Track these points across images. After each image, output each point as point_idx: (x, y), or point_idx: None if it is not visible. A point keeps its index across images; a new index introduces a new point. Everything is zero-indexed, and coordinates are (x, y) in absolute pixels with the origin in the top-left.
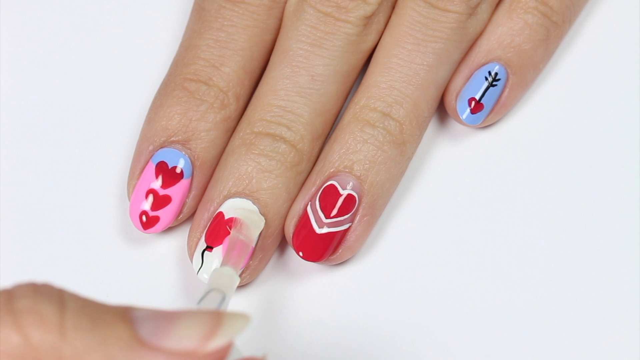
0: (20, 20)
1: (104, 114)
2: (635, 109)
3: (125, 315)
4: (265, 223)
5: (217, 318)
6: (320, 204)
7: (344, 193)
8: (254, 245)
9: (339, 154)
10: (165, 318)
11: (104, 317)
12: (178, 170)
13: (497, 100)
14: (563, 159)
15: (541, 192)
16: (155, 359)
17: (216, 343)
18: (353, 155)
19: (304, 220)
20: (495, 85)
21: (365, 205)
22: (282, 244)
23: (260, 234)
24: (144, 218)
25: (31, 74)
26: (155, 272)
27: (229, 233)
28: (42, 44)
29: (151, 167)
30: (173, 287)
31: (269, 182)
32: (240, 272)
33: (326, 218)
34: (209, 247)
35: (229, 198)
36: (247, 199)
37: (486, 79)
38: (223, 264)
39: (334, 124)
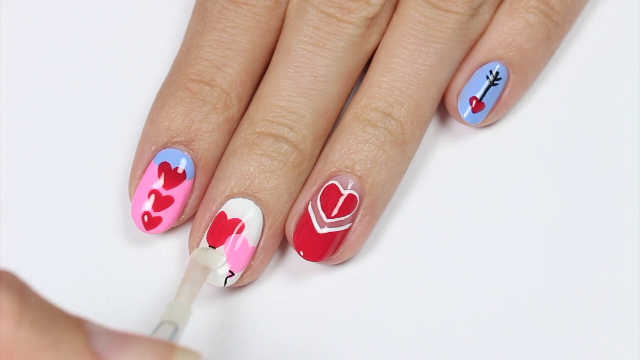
0: (20, 20)
1: (105, 114)
2: (636, 109)
3: (79, 324)
4: (267, 223)
5: (169, 350)
6: (321, 204)
7: (345, 193)
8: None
9: (340, 154)
10: (119, 337)
11: (60, 320)
12: (180, 171)
13: (498, 99)
14: (563, 158)
15: (542, 192)
16: None
17: None
18: (354, 155)
19: (305, 219)
20: (497, 84)
21: (366, 205)
22: (283, 244)
23: (262, 233)
24: (146, 218)
25: (31, 74)
26: (156, 273)
27: (231, 233)
28: (43, 44)
29: (153, 168)
30: (175, 287)
31: (271, 182)
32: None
33: (327, 218)
34: (211, 247)
35: (231, 198)
36: (249, 199)
37: (487, 78)
38: (177, 296)
39: (335, 124)
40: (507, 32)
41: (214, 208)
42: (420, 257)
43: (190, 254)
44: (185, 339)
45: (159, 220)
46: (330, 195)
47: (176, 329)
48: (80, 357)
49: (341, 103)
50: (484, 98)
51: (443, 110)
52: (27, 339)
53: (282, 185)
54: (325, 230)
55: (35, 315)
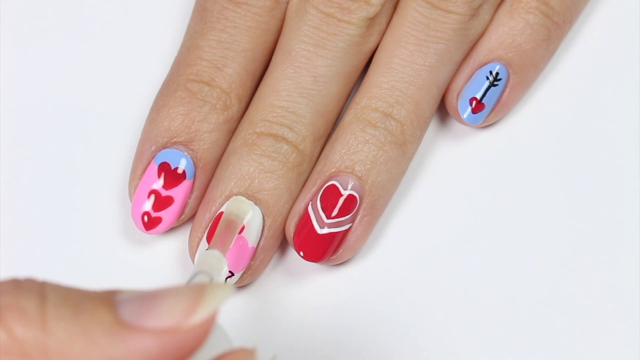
0: (20, 20)
1: (105, 114)
2: (636, 109)
3: (107, 300)
4: (267, 224)
5: (198, 291)
6: (321, 204)
7: (345, 193)
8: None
9: (340, 154)
10: (149, 298)
11: (85, 305)
12: (180, 171)
13: (498, 100)
14: (563, 158)
15: (542, 192)
16: (138, 339)
17: (199, 316)
18: (354, 156)
19: (304, 220)
20: (497, 85)
21: (366, 205)
22: (283, 244)
23: (262, 234)
24: (146, 219)
25: (31, 74)
26: (156, 273)
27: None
28: (43, 44)
29: (153, 168)
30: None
31: (271, 182)
32: (226, 255)
33: (327, 218)
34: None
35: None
36: (249, 199)
37: (487, 78)
38: (211, 246)
39: (335, 124)
40: (507, 33)
41: (213, 208)
42: (420, 257)
43: (190, 254)
44: None
45: (159, 220)
46: (330, 196)
47: (211, 280)
48: (110, 333)
49: (341, 103)
50: (484, 99)
51: (443, 110)
52: (56, 335)
53: (282, 185)
54: (325, 230)
55: (58, 309)
